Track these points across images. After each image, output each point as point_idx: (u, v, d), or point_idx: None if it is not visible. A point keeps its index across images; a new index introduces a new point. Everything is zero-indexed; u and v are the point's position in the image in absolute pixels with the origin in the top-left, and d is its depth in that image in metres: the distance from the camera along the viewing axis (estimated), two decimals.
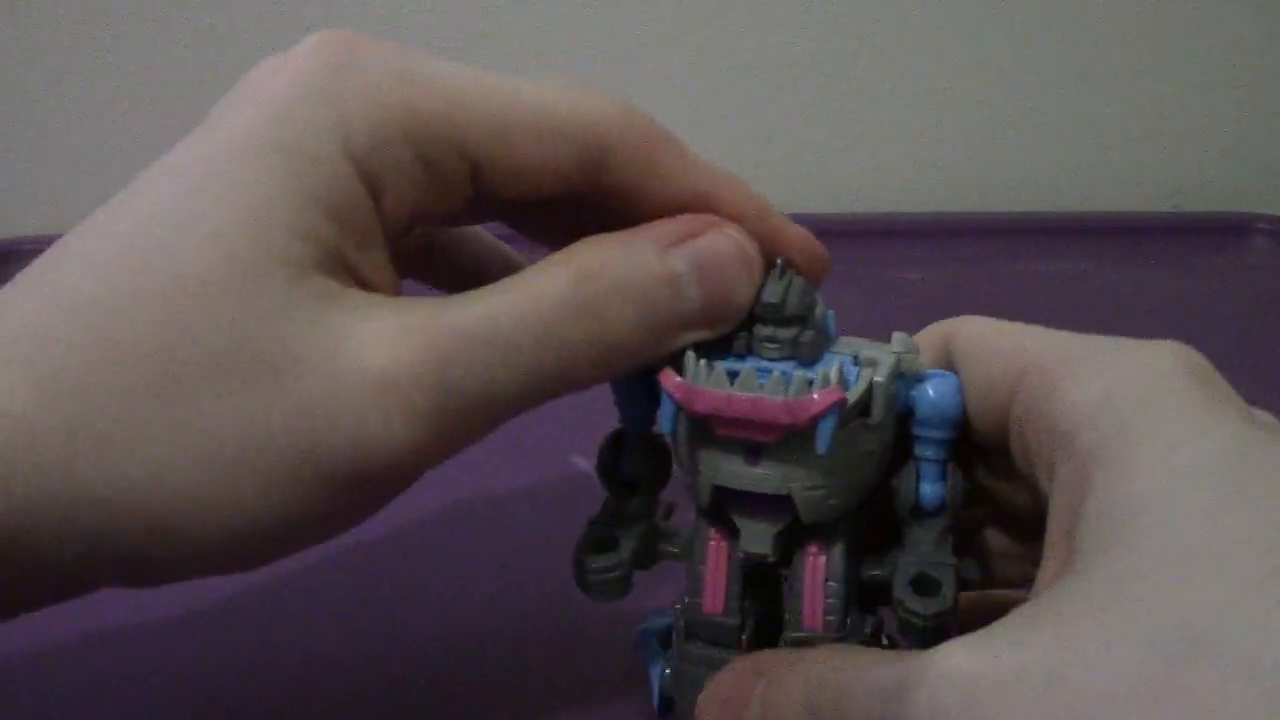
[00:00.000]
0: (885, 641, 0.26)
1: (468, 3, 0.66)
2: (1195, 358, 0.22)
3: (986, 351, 0.24)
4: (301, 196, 0.21)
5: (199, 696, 0.29)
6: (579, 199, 0.24)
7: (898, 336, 0.24)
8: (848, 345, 0.25)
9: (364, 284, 0.22)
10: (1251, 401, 0.22)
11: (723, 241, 0.23)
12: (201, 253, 0.20)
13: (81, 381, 0.20)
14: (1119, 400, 0.21)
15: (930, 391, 0.24)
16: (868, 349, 0.24)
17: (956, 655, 0.19)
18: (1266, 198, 0.70)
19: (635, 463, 0.26)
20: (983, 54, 0.68)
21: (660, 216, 0.24)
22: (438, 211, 0.23)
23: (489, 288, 0.21)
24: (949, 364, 0.25)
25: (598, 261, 0.22)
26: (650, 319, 0.22)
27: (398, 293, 0.22)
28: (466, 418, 0.21)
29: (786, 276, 0.24)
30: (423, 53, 0.22)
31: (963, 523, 0.26)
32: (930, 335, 0.26)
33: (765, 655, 0.24)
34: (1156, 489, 0.19)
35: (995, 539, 0.27)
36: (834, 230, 0.64)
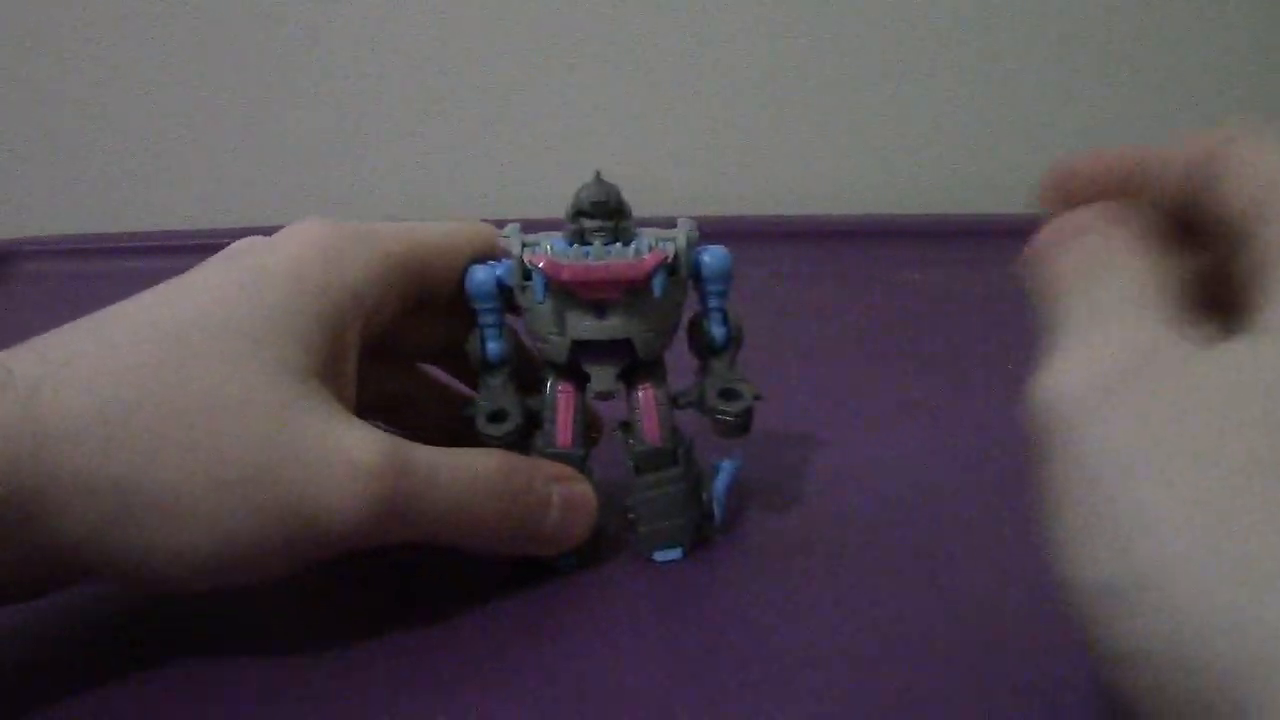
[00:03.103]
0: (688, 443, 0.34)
1: (466, 4, 0.66)
2: None
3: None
4: (308, 315, 0.29)
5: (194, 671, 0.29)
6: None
7: (681, 220, 0.32)
8: (647, 233, 0.32)
9: (336, 388, 0.29)
10: None
11: (586, 491, 0.32)
12: (235, 345, 0.27)
13: (126, 400, 0.26)
14: None
15: (707, 257, 0.32)
16: (661, 232, 0.32)
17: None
18: None
19: (502, 345, 0.33)
20: (983, 55, 0.69)
21: None
22: (393, 324, 0.32)
23: (442, 449, 0.29)
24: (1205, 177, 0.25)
25: (512, 468, 0.31)
26: (523, 520, 0.31)
27: (353, 401, 0.30)
28: (400, 518, 0.28)
29: (603, 182, 0.31)
30: (383, 224, 0.32)
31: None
32: (1191, 149, 0.26)
33: (558, 465, 0.32)
34: None
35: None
36: (834, 230, 0.65)
